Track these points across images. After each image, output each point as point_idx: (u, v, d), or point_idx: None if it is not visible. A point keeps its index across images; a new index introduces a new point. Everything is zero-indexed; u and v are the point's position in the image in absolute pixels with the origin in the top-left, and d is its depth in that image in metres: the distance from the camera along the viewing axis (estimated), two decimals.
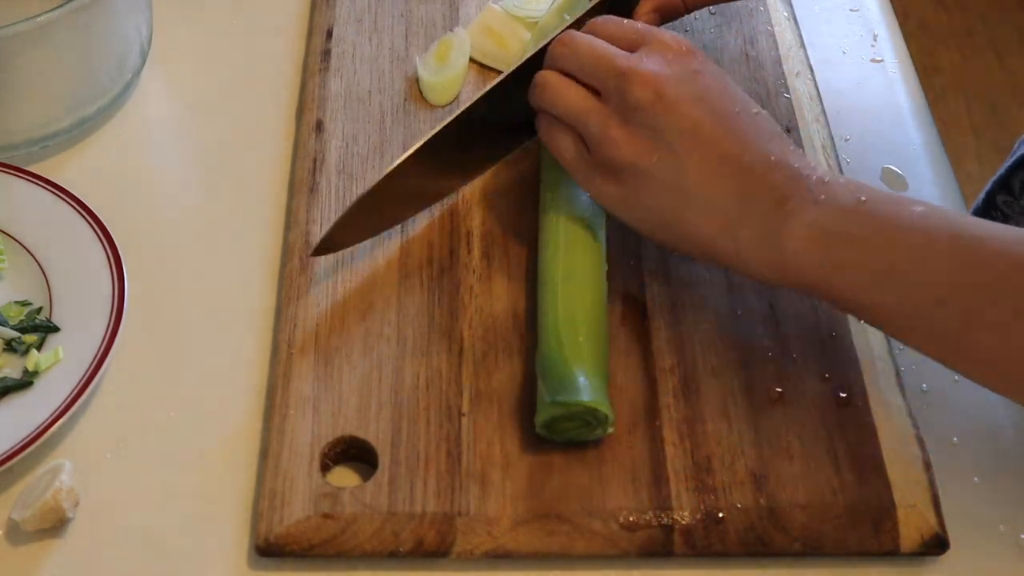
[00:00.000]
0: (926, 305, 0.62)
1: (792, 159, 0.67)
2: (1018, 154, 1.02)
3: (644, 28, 0.71)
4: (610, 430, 0.66)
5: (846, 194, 0.65)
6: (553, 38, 0.73)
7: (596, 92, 0.70)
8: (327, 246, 0.74)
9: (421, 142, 0.73)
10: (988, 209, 1.02)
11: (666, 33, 0.70)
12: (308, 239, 0.77)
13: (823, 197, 0.64)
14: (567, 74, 0.71)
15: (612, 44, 0.71)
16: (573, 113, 0.70)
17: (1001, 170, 1.02)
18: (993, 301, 0.61)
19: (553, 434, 0.66)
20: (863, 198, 0.64)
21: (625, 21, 0.73)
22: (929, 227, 0.63)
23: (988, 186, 1.03)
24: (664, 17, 0.80)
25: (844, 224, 0.64)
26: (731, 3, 0.88)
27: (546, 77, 0.72)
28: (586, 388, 0.65)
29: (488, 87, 0.75)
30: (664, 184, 0.67)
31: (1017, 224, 0.95)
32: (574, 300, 0.69)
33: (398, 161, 0.73)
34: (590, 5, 0.79)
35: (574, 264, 0.71)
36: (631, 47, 0.70)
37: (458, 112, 0.75)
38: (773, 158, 0.66)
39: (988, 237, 0.62)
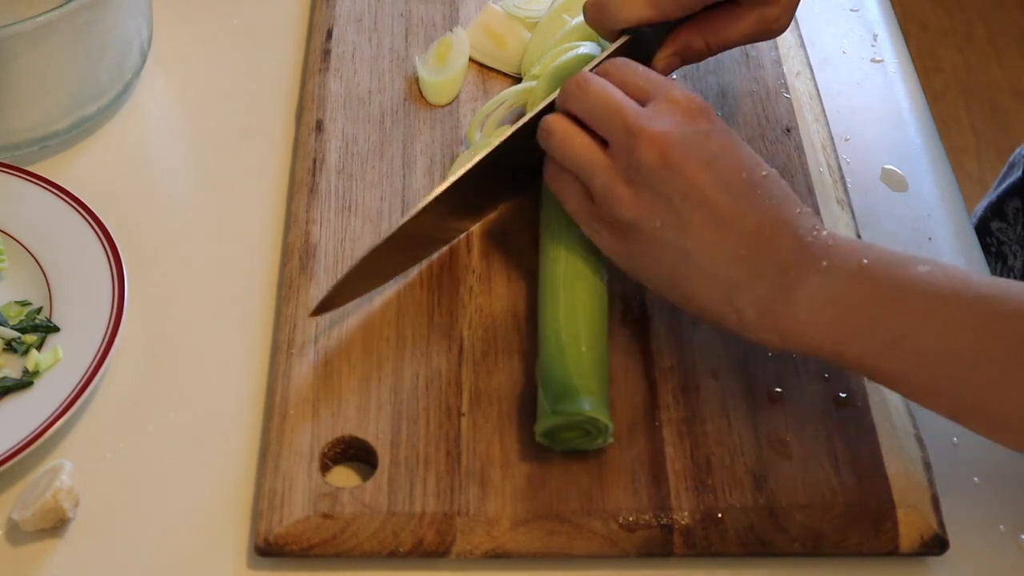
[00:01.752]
0: (939, 369, 0.62)
1: (797, 222, 0.65)
2: (1010, 180, 1.02)
3: (657, 80, 0.70)
4: (610, 440, 0.66)
5: (849, 258, 0.64)
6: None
7: (604, 141, 0.68)
8: (328, 305, 0.72)
9: (428, 199, 0.72)
10: (982, 235, 1.01)
11: (678, 89, 0.69)
12: (308, 239, 0.77)
13: (825, 264, 0.63)
14: (575, 118, 0.70)
15: (625, 91, 0.69)
16: (579, 164, 0.68)
17: (992, 196, 1.02)
18: (1010, 361, 0.60)
19: (554, 443, 0.66)
20: (866, 261, 0.63)
21: (640, 69, 0.71)
22: (935, 289, 0.62)
23: (980, 211, 1.02)
24: (685, 60, 0.79)
25: (848, 291, 0.63)
26: None
27: (554, 123, 0.70)
28: (587, 398, 0.65)
29: (503, 136, 0.73)
30: (667, 246, 0.66)
31: (1011, 251, 0.95)
32: (575, 309, 0.69)
33: (406, 217, 0.71)
34: (611, 48, 0.77)
35: (574, 272, 0.71)
36: (643, 98, 0.69)
37: (474, 161, 0.73)
38: (777, 224, 0.65)
39: (996, 296, 0.61)
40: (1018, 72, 2.41)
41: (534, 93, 0.83)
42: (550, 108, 0.73)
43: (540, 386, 0.67)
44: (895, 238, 0.81)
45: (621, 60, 0.72)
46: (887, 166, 0.86)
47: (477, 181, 0.74)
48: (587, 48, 0.84)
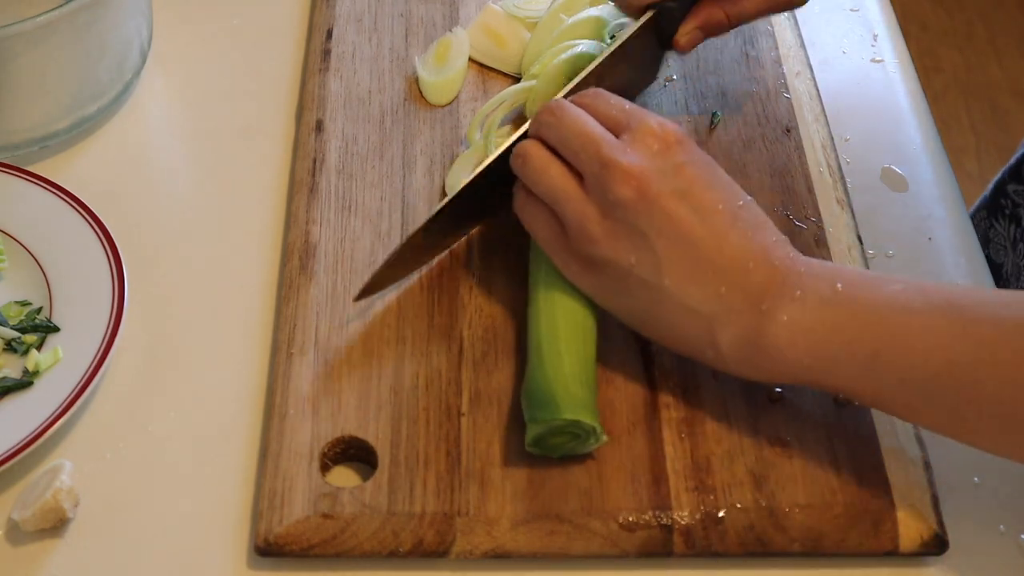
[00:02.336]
0: (920, 385, 0.61)
1: (772, 251, 0.65)
2: None
3: (632, 110, 0.68)
4: (603, 439, 0.65)
5: (822, 284, 0.63)
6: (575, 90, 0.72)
7: (578, 172, 0.67)
8: (370, 290, 0.73)
9: (465, 183, 0.73)
10: (997, 197, 1.02)
11: (653, 119, 0.67)
12: (308, 239, 0.77)
13: (799, 293, 0.63)
14: (550, 146, 0.69)
15: (600, 122, 0.68)
16: (553, 195, 0.67)
17: (1012, 160, 1.02)
18: (989, 370, 0.60)
19: (546, 451, 0.66)
20: (839, 285, 0.63)
21: (613, 99, 0.70)
22: (909, 306, 0.62)
23: (998, 175, 1.02)
24: (708, 33, 0.79)
25: (823, 317, 0.63)
26: None
27: (530, 149, 0.69)
28: (566, 402, 0.65)
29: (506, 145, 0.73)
30: (642, 282, 0.65)
31: None
32: (556, 310, 0.69)
33: (442, 203, 0.72)
34: (636, 25, 0.78)
35: (555, 279, 0.70)
36: (618, 129, 0.68)
37: (483, 166, 0.73)
38: (751, 255, 0.65)
39: (971, 305, 0.61)
40: (1018, 72, 2.41)
41: (534, 92, 0.84)
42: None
43: (523, 399, 0.67)
44: (895, 238, 0.81)
45: (594, 91, 0.71)
46: (887, 166, 0.86)
47: (483, 187, 0.74)
48: (586, 47, 0.84)
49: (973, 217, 1.01)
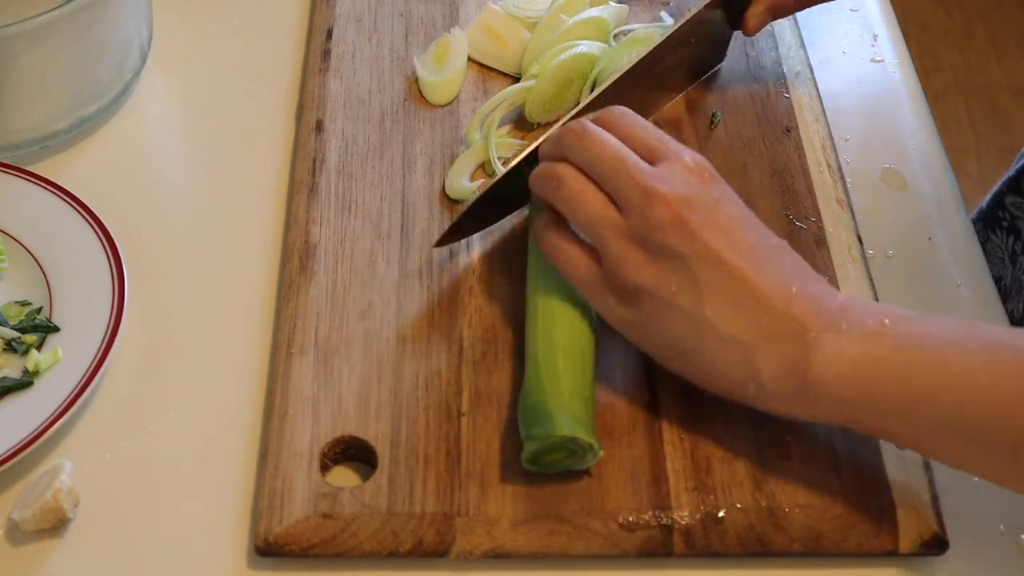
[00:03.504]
0: (968, 423, 0.60)
1: (815, 288, 0.64)
2: None
3: (665, 140, 0.67)
4: (600, 454, 0.65)
5: (868, 319, 0.62)
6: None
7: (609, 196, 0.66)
8: (448, 239, 0.75)
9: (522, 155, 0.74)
10: (995, 209, 1.01)
11: (687, 152, 0.67)
12: (308, 239, 0.77)
13: (844, 326, 0.62)
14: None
15: (629, 146, 0.67)
16: (591, 224, 0.66)
17: (1011, 171, 1.02)
18: None
19: (542, 468, 0.65)
20: (886, 321, 0.62)
21: (643, 122, 0.68)
22: (957, 344, 0.61)
23: (996, 186, 1.02)
24: (775, 15, 0.80)
25: (870, 351, 0.61)
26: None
27: (562, 173, 0.67)
28: (562, 419, 0.64)
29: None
30: (682, 313, 0.64)
31: None
32: (553, 329, 0.68)
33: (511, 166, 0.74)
34: (702, 4, 0.79)
35: (553, 293, 0.69)
36: (650, 156, 0.66)
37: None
38: (794, 289, 0.64)
39: (1018, 345, 0.60)
40: (1018, 72, 2.41)
41: (533, 92, 0.84)
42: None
43: (519, 415, 0.66)
44: (895, 238, 0.81)
45: (619, 110, 0.69)
46: (887, 166, 0.86)
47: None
48: (586, 47, 0.84)
49: (1002, 196, 1.01)
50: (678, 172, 0.65)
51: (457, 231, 0.75)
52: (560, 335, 0.68)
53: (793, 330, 0.63)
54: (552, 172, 0.68)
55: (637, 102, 0.74)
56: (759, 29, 0.81)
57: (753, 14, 0.79)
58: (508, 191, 0.75)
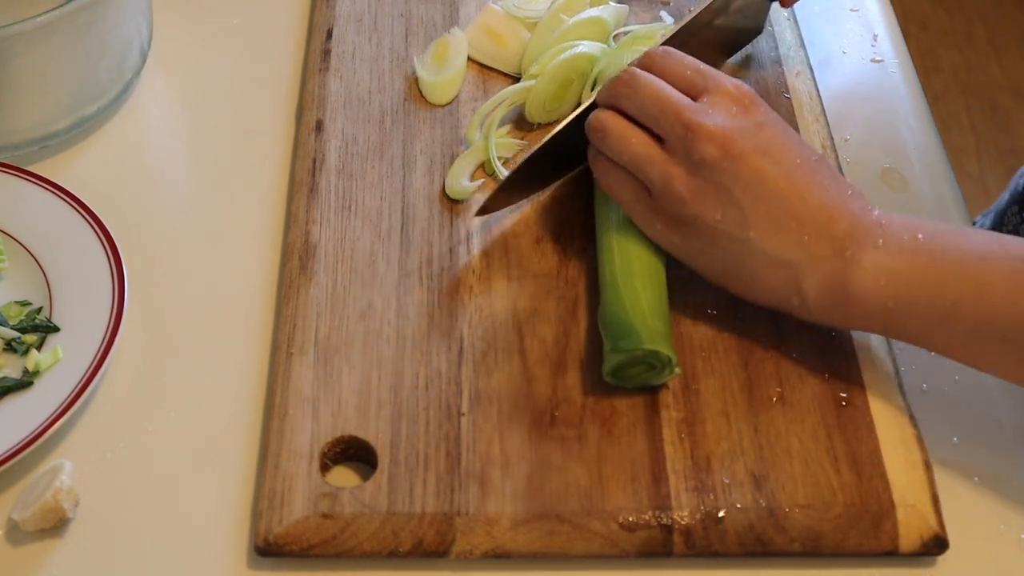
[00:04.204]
0: (998, 333, 0.64)
1: (852, 203, 0.68)
2: None
3: (707, 71, 0.71)
4: (678, 371, 0.68)
5: (904, 233, 0.66)
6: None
7: (656, 136, 0.70)
8: (489, 208, 0.76)
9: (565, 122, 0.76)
10: (999, 228, 1.01)
11: (728, 81, 0.70)
12: (308, 239, 0.77)
13: (881, 241, 0.66)
14: (624, 113, 0.71)
15: (673, 84, 0.70)
16: (637, 161, 0.70)
17: (1016, 186, 1.01)
18: None
19: (621, 381, 0.68)
20: (920, 236, 0.66)
21: (686, 59, 0.72)
22: (989, 255, 0.64)
23: (1002, 203, 1.01)
24: None
25: (905, 265, 0.65)
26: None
27: (606, 121, 0.71)
28: (646, 333, 0.67)
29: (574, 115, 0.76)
30: (728, 237, 0.68)
31: None
32: (629, 252, 0.71)
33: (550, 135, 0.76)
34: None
35: (627, 226, 0.72)
36: (693, 91, 0.70)
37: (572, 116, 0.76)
38: (834, 205, 0.67)
39: None
40: (1018, 72, 2.41)
41: (533, 92, 0.84)
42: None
43: (602, 329, 0.69)
44: None
45: (663, 50, 0.73)
46: (887, 166, 0.86)
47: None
48: (586, 47, 0.84)
49: (1003, 214, 1.01)
50: (720, 103, 0.69)
51: (501, 196, 0.77)
52: (636, 261, 0.71)
53: (834, 248, 0.66)
54: (597, 122, 0.72)
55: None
56: (796, 1, 0.82)
57: None
58: (552, 158, 0.77)
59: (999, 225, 1.00)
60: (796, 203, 0.67)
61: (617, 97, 0.71)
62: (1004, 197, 1.02)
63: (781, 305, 0.69)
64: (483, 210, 0.77)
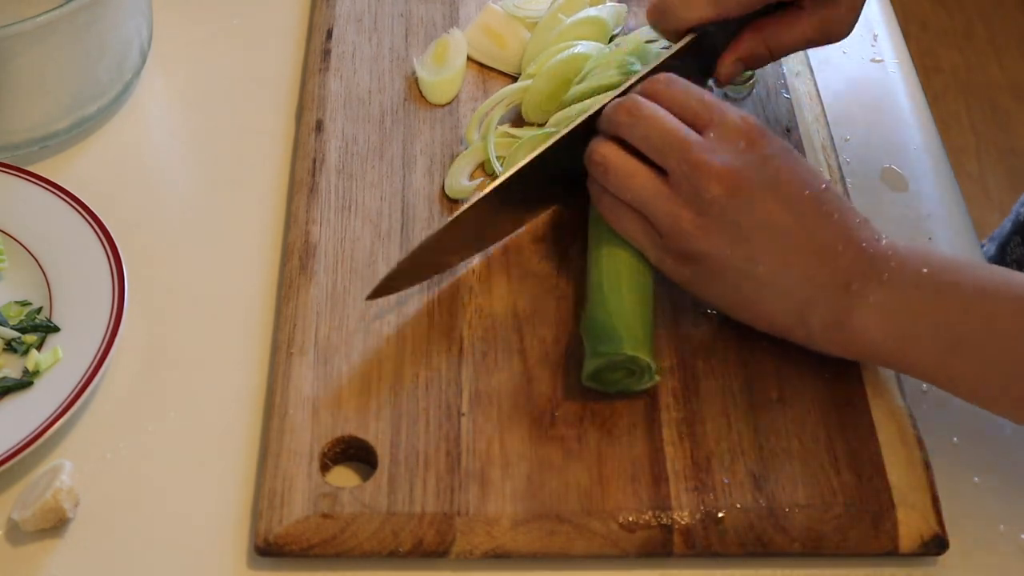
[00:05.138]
0: (1002, 371, 0.63)
1: (858, 233, 0.67)
2: None
3: (711, 102, 0.69)
4: (657, 378, 0.68)
5: (910, 267, 0.66)
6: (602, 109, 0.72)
7: (659, 168, 0.68)
8: (383, 291, 0.72)
9: (483, 193, 0.72)
10: (1002, 257, 1.01)
11: (733, 113, 0.69)
12: (308, 239, 0.77)
13: (887, 275, 0.66)
14: (624, 141, 0.69)
15: (677, 115, 0.69)
16: (641, 200, 0.68)
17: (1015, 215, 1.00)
18: None
19: (602, 385, 0.68)
20: (925, 270, 0.66)
21: (691, 89, 0.70)
22: (994, 292, 0.64)
23: (1005, 232, 1.01)
24: (749, 66, 0.78)
25: (910, 301, 0.65)
26: None
27: (608, 155, 0.69)
28: (627, 338, 0.67)
29: (540, 149, 0.73)
30: (737, 272, 0.68)
31: None
32: (618, 258, 0.71)
33: (457, 213, 0.72)
34: (677, 47, 0.76)
35: (617, 237, 0.71)
36: (697, 122, 0.69)
37: (514, 169, 0.72)
38: (841, 238, 0.67)
39: None
40: (1018, 72, 2.41)
41: (531, 91, 0.84)
42: (585, 125, 0.72)
43: (583, 333, 0.69)
44: (895, 238, 0.81)
45: (666, 77, 0.71)
46: (887, 166, 0.86)
47: (527, 180, 0.73)
48: (585, 47, 0.84)
49: (1006, 244, 1.00)
50: (726, 137, 0.68)
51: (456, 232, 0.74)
52: (623, 266, 0.71)
53: (840, 282, 0.66)
54: (598, 156, 0.70)
55: None
56: (731, 79, 0.78)
57: (725, 64, 0.77)
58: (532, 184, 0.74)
59: (1002, 254, 1.00)
60: (803, 237, 0.67)
61: (619, 126, 0.70)
62: (1007, 225, 1.01)
63: (787, 335, 0.69)
64: (376, 293, 0.72)
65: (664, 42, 0.82)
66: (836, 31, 0.77)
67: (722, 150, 0.67)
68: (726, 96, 0.86)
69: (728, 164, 0.67)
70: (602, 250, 0.72)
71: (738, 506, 0.65)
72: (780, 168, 0.68)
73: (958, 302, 0.65)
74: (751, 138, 0.68)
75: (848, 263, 0.66)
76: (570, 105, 0.81)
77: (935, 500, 0.66)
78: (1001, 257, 1.00)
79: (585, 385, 0.68)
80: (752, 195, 0.67)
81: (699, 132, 0.68)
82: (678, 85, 0.70)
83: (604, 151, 0.70)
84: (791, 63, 0.89)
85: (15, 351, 0.73)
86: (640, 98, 0.70)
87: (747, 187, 0.67)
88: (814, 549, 0.65)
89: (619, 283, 0.70)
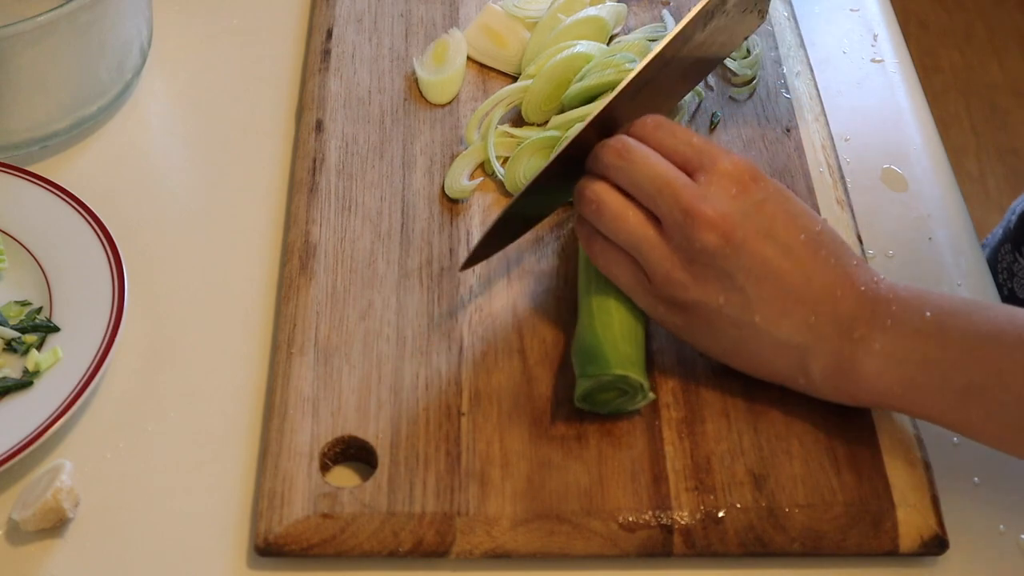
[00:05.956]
0: (1015, 416, 0.62)
1: (856, 276, 0.66)
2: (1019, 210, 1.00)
3: (701, 146, 0.67)
4: (651, 396, 0.67)
5: (911, 312, 0.64)
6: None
7: (651, 213, 0.67)
8: (476, 258, 0.72)
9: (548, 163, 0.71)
10: (993, 264, 1.00)
11: (726, 157, 0.67)
12: (308, 239, 0.77)
13: (889, 322, 0.64)
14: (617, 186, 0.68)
15: (667, 158, 0.67)
16: (633, 243, 0.67)
17: (1006, 224, 1.00)
18: None
19: (595, 407, 0.68)
20: (928, 314, 0.64)
21: (679, 132, 0.68)
22: (1000, 336, 0.63)
23: (996, 239, 1.01)
24: None
25: (914, 348, 0.64)
26: None
27: (601, 195, 0.67)
28: (615, 358, 0.66)
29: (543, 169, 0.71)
30: (732, 321, 0.66)
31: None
32: (607, 282, 0.69)
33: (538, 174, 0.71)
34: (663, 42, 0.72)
35: None
36: (687, 167, 0.67)
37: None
38: (838, 284, 0.65)
39: None
40: (1018, 72, 2.41)
41: (530, 91, 0.84)
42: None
43: (573, 357, 0.68)
44: (895, 238, 0.81)
45: (654, 121, 0.69)
46: (887, 166, 0.86)
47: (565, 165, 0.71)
48: (584, 47, 0.84)
49: (997, 251, 1.00)
50: (718, 183, 0.66)
51: (481, 254, 0.73)
52: (613, 288, 0.69)
53: (841, 329, 0.65)
54: (591, 194, 0.68)
55: (660, 94, 0.74)
56: None
57: None
58: (529, 208, 0.73)
59: (993, 262, 1.00)
60: (801, 284, 0.65)
61: (608, 168, 0.67)
62: (998, 232, 1.01)
63: (787, 383, 0.67)
64: (467, 265, 0.73)
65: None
66: None
67: (714, 196, 0.65)
68: (729, 97, 0.86)
69: (721, 211, 0.65)
70: (591, 272, 0.70)
71: (738, 506, 0.65)
72: (775, 213, 0.66)
73: (964, 348, 0.63)
74: (744, 182, 0.66)
75: (849, 309, 0.65)
76: (569, 106, 0.81)
77: (935, 500, 0.66)
78: (992, 264, 1.00)
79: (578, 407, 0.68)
80: (746, 242, 0.65)
81: (690, 176, 0.67)
82: (666, 129, 0.69)
83: (597, 189, 0.68)
84: (791, 63, 0.89)
85: (15, 351, 0.73)
86: (630, 140, 0.68)
87: (740, 235, 0.65)
88: (814, 549, 0.65)
89: (607, 305, 0.69)
